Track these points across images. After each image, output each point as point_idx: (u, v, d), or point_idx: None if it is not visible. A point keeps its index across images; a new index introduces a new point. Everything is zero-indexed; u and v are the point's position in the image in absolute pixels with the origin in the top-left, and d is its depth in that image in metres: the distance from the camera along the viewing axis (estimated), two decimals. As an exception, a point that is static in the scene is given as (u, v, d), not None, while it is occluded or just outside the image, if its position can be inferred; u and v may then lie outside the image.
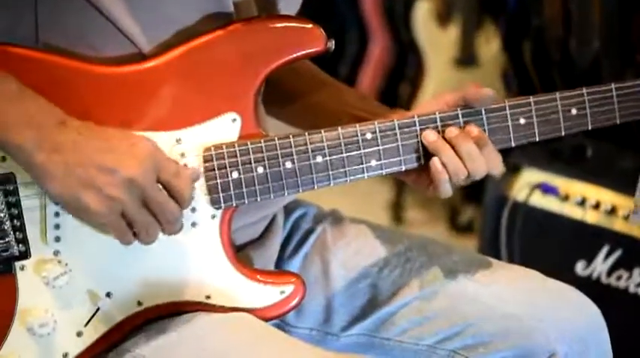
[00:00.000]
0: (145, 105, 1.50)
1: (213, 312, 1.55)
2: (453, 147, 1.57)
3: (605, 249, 2.72)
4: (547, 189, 2.83)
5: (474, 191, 3.73)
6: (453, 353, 1.69)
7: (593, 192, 2.79)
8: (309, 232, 1.81)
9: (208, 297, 1.55)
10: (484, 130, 1.60)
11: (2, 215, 1.44)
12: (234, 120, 1.53)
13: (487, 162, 1.59)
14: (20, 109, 1.39)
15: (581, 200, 2.79)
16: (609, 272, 2.71)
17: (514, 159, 2.91)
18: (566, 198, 2.81)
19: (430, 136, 1.58)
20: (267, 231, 1.73)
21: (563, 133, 1.64)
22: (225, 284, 1.55)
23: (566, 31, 3.44)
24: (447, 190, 1.60)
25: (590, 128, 1.65)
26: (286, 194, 1.56)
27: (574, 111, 1.63)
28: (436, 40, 4.16)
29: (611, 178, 2.79)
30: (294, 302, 1.58)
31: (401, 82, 4.38)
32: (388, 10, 4.54)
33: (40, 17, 1.50)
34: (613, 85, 1.65)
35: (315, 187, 1.57)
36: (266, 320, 1.57)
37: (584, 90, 1.63)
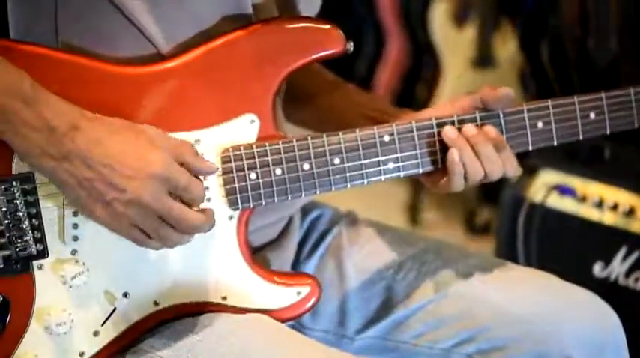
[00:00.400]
0: (163, 106, 1.50)
1: (231, 313, 1.55)
2: (472, 148, 1.57)
3: (622, 251, 2.70)
4: (564, 191, 2.82)
5: (490, 192, 3.74)
6: (468, 357, 1.70)
7: (610, 194, 2.77)
8: (324, 234, 1.81)
9: (224, 298, 1.55)
10: (502, 132, 1.59)
11: (21, 214, 1.45)
12: (253, 121, 1.53)
13: (504, 165, 1.59)
14: (33, 111, 1.39)
15: (598, 201, 2.77)
16: (627, 274, 2.69)
17: (531, 160, 2.89)
18: (583, 200, 2.79)
19: (451, 133, 1.58)
20: (284, 233, 1.73)
21: (581, 137, 1.64)
22: (241, 286, 1.55)
23: (583, 31, 3.43)
24: (460, 185, 1.59)
25: (608, 132, 1.65)
26: (303, 196, 1.56)
27: (592, 116, 1.63)
28: (453, 41, 4.16)
29: (629, 179, 2.78)
30: (310, 304, 1.58)
31: (417, 82, 4.38)
32: (405, 11, 4.54)
33: (59, 15, 1.51)
34: (632, 89, 1.65)
35: (333, 189, 1.57)
36: (282, 321, 1.57)
37: (603, 94, 1.63)
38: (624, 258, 2.70)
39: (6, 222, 1.45)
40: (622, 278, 2.70)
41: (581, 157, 2.90)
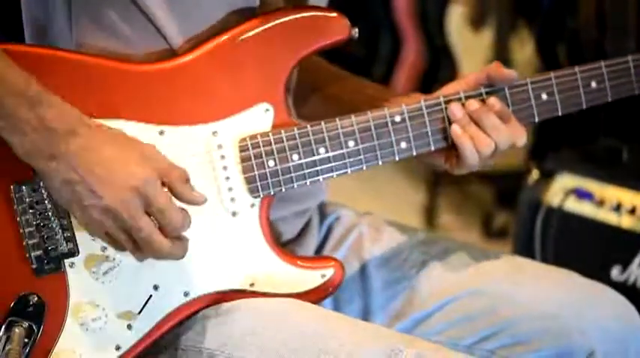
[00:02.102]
0: (180, 101, 1.54)
1: (262, 299, 1.58)
2: (476, 122, 1.61)
3: (641, 255, 2.70)
4: (582, 194, 2.82)
5: (507, 196, 3.73)
6: (491, 353, 1.71)
7: (628, 197, 2.77)
8: (345, 234, 1.83)
9: (252, 285, 1.58)
10: (508, 105, 1.64)
11: (50, 214, 1.48)
12: (267, 110, 1.57)
13: (512, 134, 1.62)
14: (35, 112, 1.41)
15: (616, 205, 2.77)
16: (645, 278, 2.70)
17: (548, 164, 2.90)
18: (601, 203, 2.79)
19: (456, 111, 1.62)
20: (303, 231, 1.77)
21: (584, 106, 1.69)
22: (268, 271, 1.59)
23: (601, 33, 3.42)
24: (474, 160, 1.62)
25: (610, 99, 1.70)
26: (321, 179, 1.60)
27: (594, 85, 1.68)
28: (470, 44, 4.16)
29: (647, 183, 2.77)
30: (335, 285, 1.61)
31: (434, 85, 4.38)
32: (421, 13, 4.54)
33: (74, 14, 1.54)
34: (630, 57, 1.70)
35: (349, 171, 1.61)
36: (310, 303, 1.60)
37: (602, 63, 1.68)
38: (642, 261, 2.71)
39: (36, 222, 1.48)
40: (640, 282, 2.70)
41: (598, 161, 2.90)
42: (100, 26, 1.54)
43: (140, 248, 1.47)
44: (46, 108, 1.42)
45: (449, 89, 1.66)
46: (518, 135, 1.63)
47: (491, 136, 1.61)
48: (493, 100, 1.62)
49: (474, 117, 1.61)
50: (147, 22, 1.53)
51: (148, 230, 1.45)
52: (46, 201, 1.48)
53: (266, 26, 1.57)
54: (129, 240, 1.46)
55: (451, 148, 1.65)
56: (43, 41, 1.58)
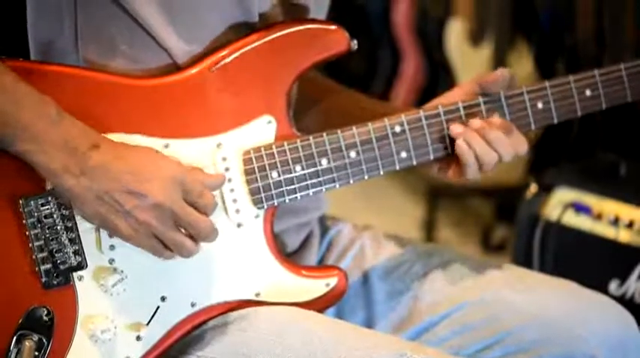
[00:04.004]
0: (184, 114, 1.56)
1: (265, 308, 1.60)
2: (483, 137, 1.64)
3: (638, 269, 2.70)
4: (580, 208, 2.82)
5: (506, 210, 3.74)
6: None
7: (626, 211, 2.77)
8: (347, 247, 1.85)
9: (258, 294, 1.60)
10: (505, 114, 1.67)
11: (58, 228, 1.50)
12: (270, 122, 1.60)
13: (514, 145, 1.65)
14: (58, 132, 1.44)
15: (614, 219, 2.77)
16: (643, 292, 2.70)
17: (547, 178, 2.91)
18: (599, 217, 2.79)
19: (457, 129, 1.65)
20: (305, 244, 1.79)
21: (579, 114, 1.71)
22: (273, 281, 1.61)
23: (599, 49, 3.44)
24: (475, 172, 1.65)
25: (604, 107, 1.72)
26: (324, 190, 1.62)
27: (588, 93, 1.70)
28: (469, 60, 4.17)
29: (644, 197, 2.78)
30: (339, 294, 1.64)
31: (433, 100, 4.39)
32: (420, 29, 4.55)
33: (79, 28, 1.56)
34: (622, 65, 1.73)
35: (351, 181, 1.64)
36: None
37: (596, 72, 1.71)
38: (640, 275, 2.72)
39: (45, 236, 1.49)
40: (638, 296, 2.70)
41: (596, 175, 2.91)
42: (105, 44, 1.56)
43: (192, 233, 1.50)
44: (67, 127, 1.45)
45: (447, 98, 1.69)
46: (520, 146, 1.66)
47: (496, 150, 1.64)
48: (494, 118, 1.65)
49: (479, 134, 1.64)
50: (150, 40, 1.56)
51: (193, 212, 1.49)
52: (55, 215, 1.49)
53: (266, 39, 1.59)
54: (176, 233, 1.49)
55: (451, 157, 1.67)
56: (49, 59, 1.60)
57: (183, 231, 1.51)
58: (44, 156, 1.44)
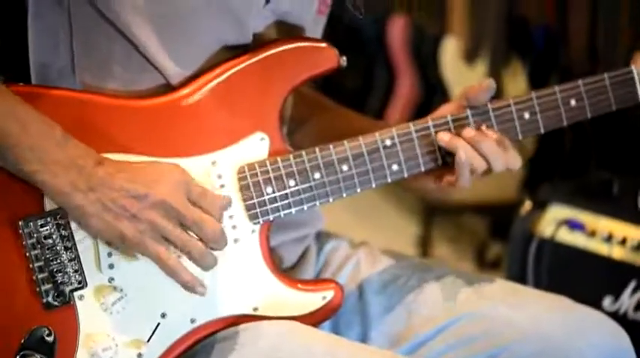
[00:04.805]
0: (179, 133, 1.58)
1: (263, 322, 1.61)
2: (473, 146, 1.66)
3: (632, 285, 2.71)
4: (574, 225, 2.83)
5: (501, 228, 3.75)
6: None
7: (619, 228, 2.79)
8: (343, 262, 1.86)
9: (256, 309, 1.62)
10: (492, 126, 1.69)
11: (58, 248, 1.51)
12: (263, 139, 1.62)
13: (507, 160, 1.68)
14: (64, 153, 1.47)
15: (607, 236, 2.79)
16: (636, 308, 2.70)
17: (541, 195, 2.92)
18: (592, 234, 2.81)
19: (444, 137, 1.67)
20: (301, 259, 1.81)
21: (565, 124, 1.73)
22: (270, 295, 1.62)
23: (593, 67, 3.46)
24: (467, 180, 1.68)
25: (589, 117, 1.74)
26: (318, 204, 1.64)
27: (573, 103, 1.72)
28: (463, 77, 4.19)
29: (637, 214, 2.80)
30: (335, 307, 1.65)
31: (428, 118, 4.40)
32: (415, 47, 4.57)
33: (75, 51, 1.58)
34: (606, 75, 1.74)
35: (344, 195, 1.66)
36: (311, 326, 1.63)
37: (580, 82, 1.73)
38: (633, 291, 2.71)
39: (45, 257, 1.50)
40: (631, 312, 2.71)
41: (590, 192, 2.93)
42: (100, 66, 1.58)
43: (199, 234, 1.50)
44: (72, 148, 1.48)
45: (437, 114, 1.71)
46: (513, 162, 1.69)
47: (488, 161, 1.66)
48: (488, 130, 1.67)
49: (471, 143, 1.66)
50: (145, 61, 1.58)
51: (198, 212, 1.50)
52: (54, 236, 1.50)
53: (257, 58, 1.62)
54: (182, 233, 1.49)
55: (441, 169, 1.70)
56: (49, 82, 1.62)
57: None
58: (51, 175, 1.46)
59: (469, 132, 1.67)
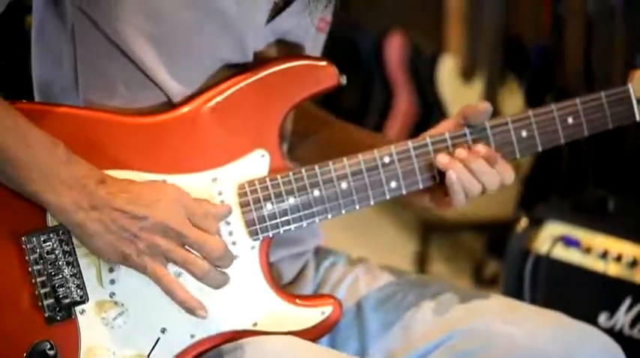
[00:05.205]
0: (181, 150, 1.60)
1: (262, 337, 1.62)
2: (466, 166, 1.67)
3: (627, 302, 2.72)
4: (569, 242, 2.84)
5: (498, 245, 3.76)
6: None
7: (614, 245, 2.80)
8: (341, 278, 1.87)
9: (255, 324, 1.63)
10: (490, 144, 1.70)
11: (60, 263, 1.52)
12: (263, 156, 1.64)
13: (499, 175, 1.69)
14: (68, 172, 1.49)
15: (603, 253, 2.80)
16: (632, 324, 2.70)
17: (537, 212, 2.93)
18: (588, 251, 2.81)
19: (443, 159, 1.68)
20: (300, 275, 1.83)
21: (562, 141, 1.74)
22: (269, 311, 1.64)
23: (588, 87, 3.47)
24: (462, 200, 1.69)
25: (586, 134, 1.75)
26: (317, 221, 1.65)
27: (570, 121, 1.73)
28: (460, 96, 4.20)
29: (632, 231, 2.80)
30: (334, 322, 1.66)
31: (425, 136, 4.40)
32: (413, 65, 4.58)
33: (79, 69, 1.60)
34: (603, 93, 1.75)
35: (343, 212, 1.67)
36: (310, 341, 1.65)
37: (577, 100, 1.74)
38: (629, 308, 2.71)
39: (47, 272, 1.52)
40: (627, 329, 2.71)
41: (585, 210, 2.94)
42: (103, 84, 1.60)
43: (201, 253, 1.51)
44: (75, 167, 1.50)
45: (434, 131, 1.72)
46: (506, 175, 1.70)
47: (479, 179, 1.67)
48: (478, 147, 1.68)
49: (464, 163, 1.67)
50: (147, 80, 1.60)
51: (199, 232, 1.51)
52: (57, 251, 1.52)
53: (257, 77, 1.63)
54: (184, 252, 1.50)
55: (439, 186, 1.71)
56: (51, 99, 1.64)
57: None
58: (55, 194, 1.48)
59: (461, 153, 1.68)
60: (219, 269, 1.53)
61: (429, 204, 1.76)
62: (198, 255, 1.51)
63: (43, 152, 1.49)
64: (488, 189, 1.69)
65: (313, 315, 1.66)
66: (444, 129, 1.72)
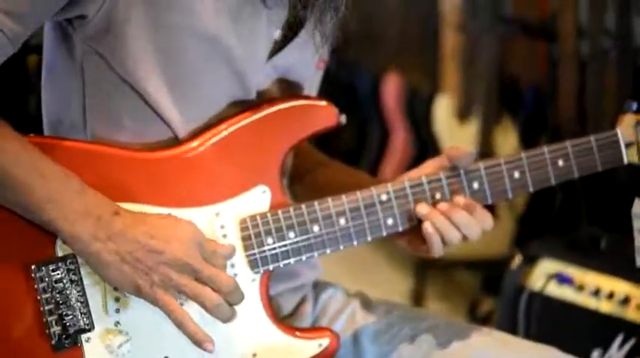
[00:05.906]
0: (186, 185, 1.63)
1: None
2: (447, 218, 1.70)
3: (619, 338, 2.74)
4: (562, 279, 2.86)
5: (493, 283, 3.77)
6: None
7: (607, 283, 2.82)
8: (339, 311, 1.90)
9: (255, 355, 1.67)
10: (465, 188, 1.73)
11: (68, 292, 1.56)
12: (264, 192, 1.67)
13: (479, 223, 1.72)
14: (82, 202, 1.52)
15: (595, 290, 2.82)
16: (624, 360, 2.74)
17: (531, 250, 2.96)
18: (581, 288, 2.84)
19: (424, 209, 1.71)
20: (299, 307, 1.85)
21: (553, 183, 1.77)
22: (269, 342, 1.67)
23: (581, 127, 3.51)
24: (439, 249, 1.72)
25: (576, 176, 1.78)
26: (316, 255, 1.69)
27: (561, 163, 1.76)
28: (456, 135, 4.22)
29: (624, 269, 2.81)
30: (331, 354, 1.70)
31: (421, 175, 4.42)
32: (409, 104, 4.61)
33: (87, 104, 1.64)
34: (592, 137, 1.78)
35: (341, 247, 1.70)
36: None
37: (568, 143, 1.77)
38: (621, 345, 2.73)
39: (55, 300, 1.55)
40: (619, 365, 2.74)
41: (578, 247, 2.96)
42: (111, 119, 1.63)
43: (213, 287, 1.54)
44: (89, 198, 1.53)
45: (428, 168, 1.76)
46: (485, 222, 1.73)
47: (462, 232, 1.71)
48: (458, 198, 1.71)
49: (444, 215, 1.70)
50: (154, 115, 1.63)
51: (212, 268, 1.54)
52: (64, 280, 1.55)
53: (260, 115, 1.67)
54: (196, 286, 1.53)
55: (417, 234, 1.73)
56: (60, 134, 1.68)
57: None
58: (69, 224, 1.51)
59: (442, 206, 1.71)
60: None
61: (408, 248, 1.79)
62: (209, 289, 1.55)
63: (57, 182, 1.52)
64: (470, 238, 1.72)
65: (311, 347, 1.69)
66: (427, 169, 1.76)
